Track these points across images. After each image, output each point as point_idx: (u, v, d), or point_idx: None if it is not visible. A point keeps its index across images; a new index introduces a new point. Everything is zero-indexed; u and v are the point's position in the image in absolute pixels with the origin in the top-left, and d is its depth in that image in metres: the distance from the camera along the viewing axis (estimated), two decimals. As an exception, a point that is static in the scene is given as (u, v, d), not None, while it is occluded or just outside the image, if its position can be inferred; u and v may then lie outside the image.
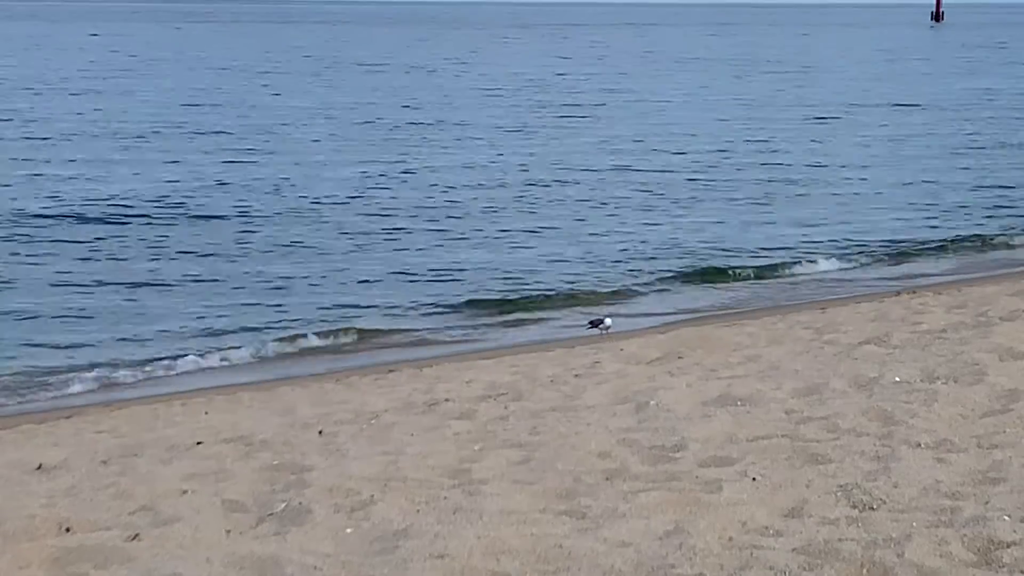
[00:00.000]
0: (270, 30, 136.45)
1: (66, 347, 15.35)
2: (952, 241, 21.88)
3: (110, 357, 14.91)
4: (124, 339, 15.70)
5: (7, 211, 23.49)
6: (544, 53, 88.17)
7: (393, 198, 25.74)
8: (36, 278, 18.76)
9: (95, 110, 42.97)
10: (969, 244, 21.74)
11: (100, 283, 18.49)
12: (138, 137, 35.42)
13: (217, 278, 18.97)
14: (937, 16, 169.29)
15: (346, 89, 53.77)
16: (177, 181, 27.59)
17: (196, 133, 36.58)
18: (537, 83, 57.51)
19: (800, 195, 26.63)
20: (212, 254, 20.54)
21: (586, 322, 15.26)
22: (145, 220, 23.10)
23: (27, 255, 20.26)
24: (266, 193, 26.16)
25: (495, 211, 24.55)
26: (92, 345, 15.49)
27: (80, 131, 36.72)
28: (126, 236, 21.79)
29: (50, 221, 22.86)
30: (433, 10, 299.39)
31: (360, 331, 16.09)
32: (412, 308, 17.27)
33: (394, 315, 16.97)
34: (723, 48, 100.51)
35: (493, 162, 30.99)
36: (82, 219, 23.09)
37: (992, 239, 22.12)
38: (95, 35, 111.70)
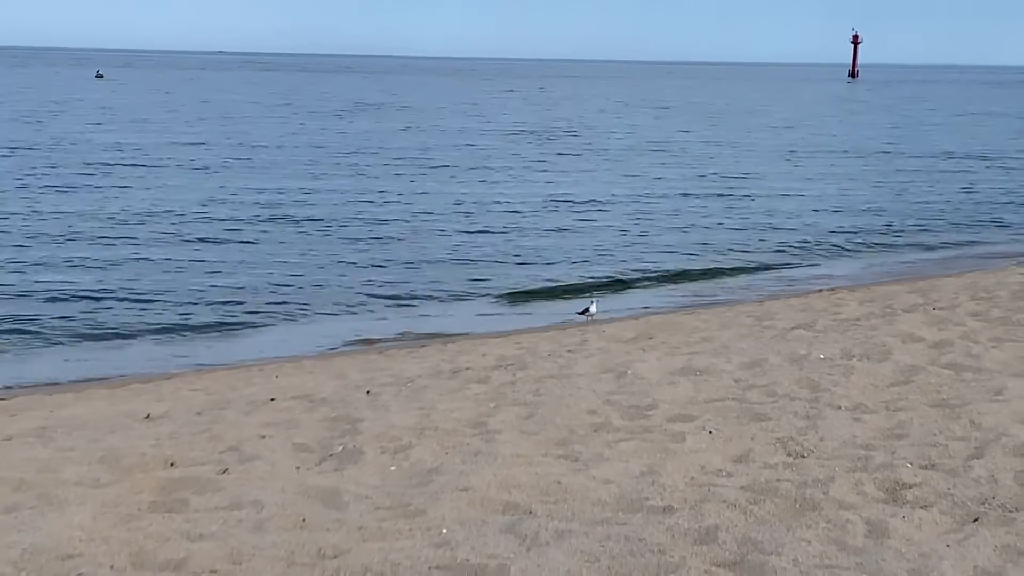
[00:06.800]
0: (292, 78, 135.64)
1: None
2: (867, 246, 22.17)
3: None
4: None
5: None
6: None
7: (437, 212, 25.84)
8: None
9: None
10: (879, 250, 21.90)
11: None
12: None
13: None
14: (853, 73, 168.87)
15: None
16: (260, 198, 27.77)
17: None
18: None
19: (749, 212, 26.67)
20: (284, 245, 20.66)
21: (576, 311, 15.24)
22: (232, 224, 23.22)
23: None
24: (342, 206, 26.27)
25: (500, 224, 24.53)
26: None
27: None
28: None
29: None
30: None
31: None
32: (440, 296, 17.34)
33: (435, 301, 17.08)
34: (687, 97, 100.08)
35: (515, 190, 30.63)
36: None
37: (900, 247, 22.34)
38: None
